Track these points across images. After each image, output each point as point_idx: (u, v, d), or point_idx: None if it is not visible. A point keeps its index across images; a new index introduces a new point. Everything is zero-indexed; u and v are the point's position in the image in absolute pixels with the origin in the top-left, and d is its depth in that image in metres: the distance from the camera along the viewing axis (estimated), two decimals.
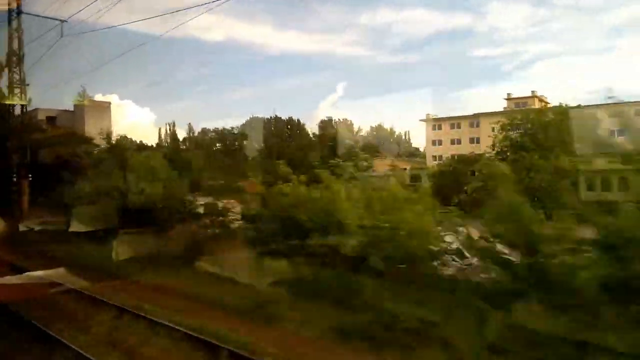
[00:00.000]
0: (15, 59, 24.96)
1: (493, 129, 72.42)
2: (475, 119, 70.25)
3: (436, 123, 74.92)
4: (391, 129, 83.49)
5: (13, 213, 24.60)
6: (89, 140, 33.62)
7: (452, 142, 72.47)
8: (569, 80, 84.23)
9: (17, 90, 24.71)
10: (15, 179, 24.51)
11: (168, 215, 20.35)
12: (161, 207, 20.20)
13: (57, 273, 14.16)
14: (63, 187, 24.59)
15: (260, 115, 64.84)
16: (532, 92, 70.19)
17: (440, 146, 72.82)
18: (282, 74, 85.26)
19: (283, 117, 66.49)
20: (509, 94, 74.33)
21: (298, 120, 68.99)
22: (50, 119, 35.76)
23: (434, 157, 70.14)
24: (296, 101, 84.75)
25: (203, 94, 79.95)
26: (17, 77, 24.64)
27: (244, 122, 63.06)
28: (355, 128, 77.67)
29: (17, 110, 27.09)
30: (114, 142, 21.72)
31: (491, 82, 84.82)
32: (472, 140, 67.21)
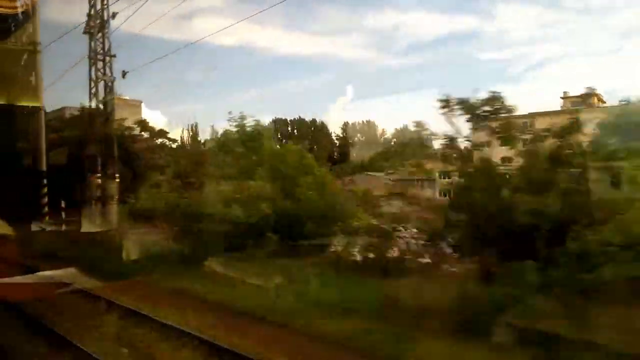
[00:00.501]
0: (98, 23, 18.96)
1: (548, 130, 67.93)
2: (528, 119, 66.02)
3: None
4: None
5: (92, 220, 18.74)
6: (163, 134, 28.11)
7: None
8: (578, 82, 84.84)
9: (100, 64, 18.66)
10: (97, 178, 18.55)
11: (328, 229, 14.45)
12: (320, 217, 14.32)
13: None
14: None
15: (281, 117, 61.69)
16: (591, 89, 66.80)
17: (488, 148, 68.78)
18: (289, 76, 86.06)
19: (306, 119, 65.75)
20: (565, 92, 70.14)
21: (322, 122, 68.93)
22: None
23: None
24: (304, 102, 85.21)
25: (212, 96, 78.29)
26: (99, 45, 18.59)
27: (267, 123, 61.30)
28: (379, 130, 74.95)
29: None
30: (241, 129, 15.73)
31: (500, 84, 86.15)
32: (524, 142, 63.73)
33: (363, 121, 77.78)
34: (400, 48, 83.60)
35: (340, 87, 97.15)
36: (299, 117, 68.68)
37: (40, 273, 13.60)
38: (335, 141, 74.38)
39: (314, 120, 73.73)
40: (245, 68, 78.69)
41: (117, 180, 18.53)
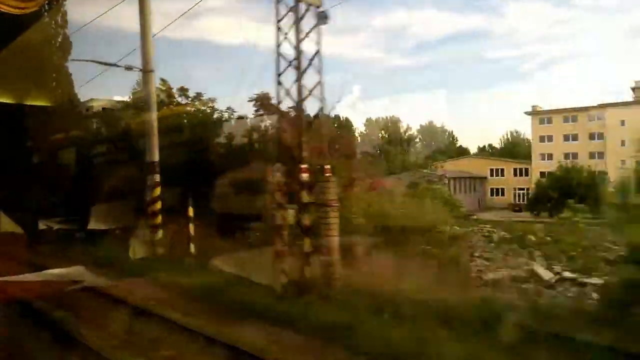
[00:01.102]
0: None
1: (622, 123, 61.33)
2: (597, 111, 60.06)
3: (545, 116, 66.14)
4: (442, 128, 78.99)
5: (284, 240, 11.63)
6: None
7: (566, 138, 63.38)
8: (588, 81, 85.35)
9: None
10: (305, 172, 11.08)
11: None
12: None
13: None
14: None
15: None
16: None
17: (550, 143, 63.74)
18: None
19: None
20: (636, 82, 64.34)
21: (346, 118, 67.50)
22: None
23: (542, 156, 60.09)
24: (308, 102, 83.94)
25: (218, 96, 74.55)
26: None
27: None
28: (404, 126, 74.89)
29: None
30: None
31: (509, 83, 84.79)
32: (592, 137, 58.44)
33: (387, 117, 73.73)
34: (409, 47, 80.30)
35: (347, 86, 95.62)
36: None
37: None
38: (358, 137, 70.29)
39: (337, 116, 68.98)
40: (252, 67, 74.47)
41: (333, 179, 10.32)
